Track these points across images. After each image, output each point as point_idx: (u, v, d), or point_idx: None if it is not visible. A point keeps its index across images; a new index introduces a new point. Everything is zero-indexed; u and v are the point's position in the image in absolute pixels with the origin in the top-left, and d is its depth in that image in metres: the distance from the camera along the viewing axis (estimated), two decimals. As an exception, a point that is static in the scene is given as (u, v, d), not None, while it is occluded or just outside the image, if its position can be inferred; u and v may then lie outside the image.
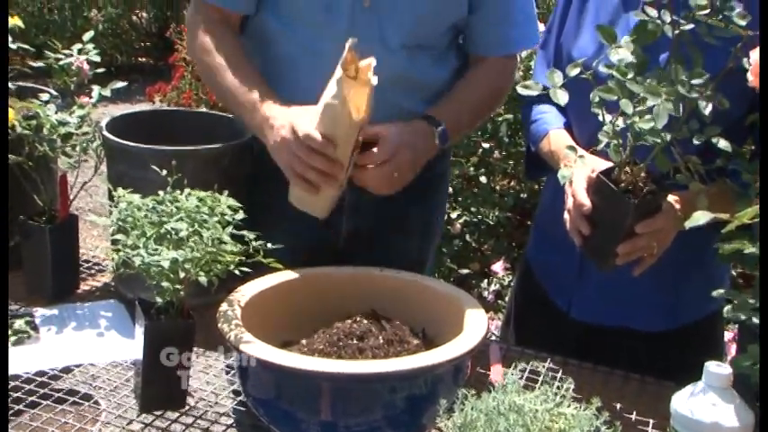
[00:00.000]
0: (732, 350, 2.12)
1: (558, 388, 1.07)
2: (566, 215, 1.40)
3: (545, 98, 1.57)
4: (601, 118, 1.30)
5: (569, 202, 1.39)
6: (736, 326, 1.97)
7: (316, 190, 1.47)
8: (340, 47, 1.46)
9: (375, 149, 1.50)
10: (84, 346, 1.49)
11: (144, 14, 7.53)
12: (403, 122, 1.56)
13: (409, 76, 1.60)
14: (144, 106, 5.47)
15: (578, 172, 1.37)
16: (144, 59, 7.40)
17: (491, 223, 3.22)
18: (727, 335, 2.12)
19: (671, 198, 1.36)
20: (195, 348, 1.38)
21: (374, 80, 1.41)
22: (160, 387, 1.30)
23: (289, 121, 1.45)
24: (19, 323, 1.51)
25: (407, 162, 1.53)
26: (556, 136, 1.59)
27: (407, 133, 1.54)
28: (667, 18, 1.27)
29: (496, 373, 1.46)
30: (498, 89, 1.71)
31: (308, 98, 1.50)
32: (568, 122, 1.61)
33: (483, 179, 3.20)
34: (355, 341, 1.28)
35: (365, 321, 1.32)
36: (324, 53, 1.56)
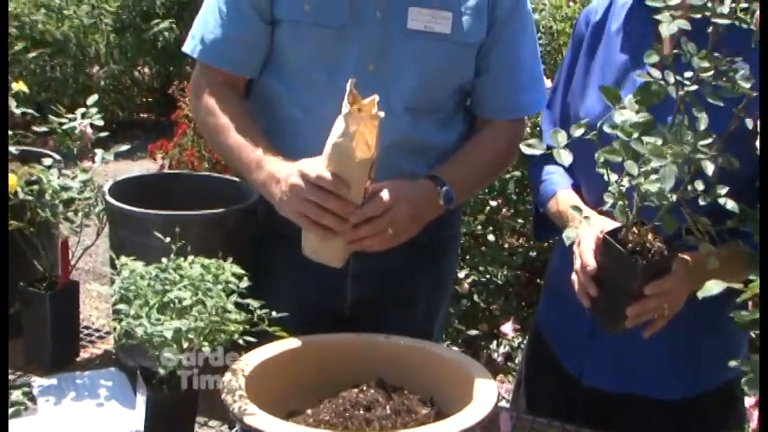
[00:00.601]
0: (755, 417, 2.09)
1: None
2: (573, 276, 1.42)
3: (552, 158, 1.60)
4: (606, 178, 1.32)
5: (577, 263, 1.40)
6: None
7: (332, 233, 1.47)
8: (340, 108, 1.49)
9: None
10: (83, 418, 1.49)
11: (146, 70, 7.63)
12: (404, 180, 1.56)
13: (413, 139, 1.63)
14: (146, 163, 5.53)
15: (585, 233, 1.39)
16: (146, 115, 7.49)
17: (500, 282, 3.22)
18: (749, 400, 2.10)
19: (681, 258, 1.37)
20: (198, 419, 1.39)
21: (381, 113, 1.42)
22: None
23: (296, 169, 1.48)
24: (16, 394, 1.52)
25: (405, 218, 1.52)
26: (563, 196, 1.60)
27: (407, 188, 1.54)
28: (671, 79, 1.29)
29: (507, 443, 1.46)
30: (506, 152, 1.74)
31: (305, 155, 1.52)
32: (576, 183, 1.63)
33: (491, 237, 3.22)
34: (362, 411, 1.28)
35: (372, 390, 1.33)
36: (326, 116, 1.58)
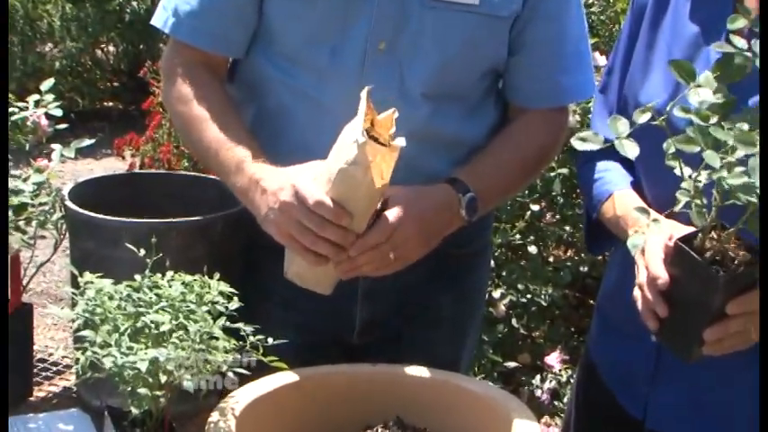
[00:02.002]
0: None
1: None
2: (636, 293, 1.42)
3: (606, 152, 1.60)
4: (678, 173, 1.32)
5: (641, 277, 1.41)
6: None
7: (324, 262, 1.49)
8: (347, 97, 1.51)
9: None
10: (39, 468, 1.51)
11: (111, 49, 7.66)
12: (415, 187, 1.57)
13: (434, 131, 1.64)
14: (111, 162, 5.57)
15: (653, 239, 1.39)
16: (111, 104, 7.51)
17: (543, 304, 3.24)
18: None
19: None
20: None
21: (401, 141, 1.44)
22: None
23: (289, 183, 1.48)
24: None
25: (411, 239, 1.53)
26: (622, 198, 1.62)
27: (419, 200, 1.55)
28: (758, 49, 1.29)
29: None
30: (546, 147, 1.75)
31: (309, 155, 1.54)
32: (636, 181, 1.64)
33: (532, 249, 3.23)
34: (377, 458, 1.30)
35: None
36: (328, 104, 1.61)
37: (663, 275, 1.37)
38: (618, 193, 1.62)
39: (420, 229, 1.54)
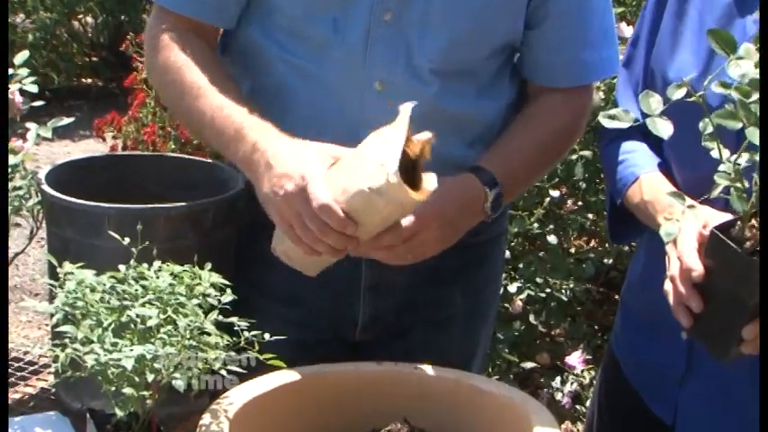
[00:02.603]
0: None
1: None
2: (667, 286, 1.43)
3: (631, 132, 1.61)
4: (715, 154, 1.33)
5: (674, 268, 1.42)
6: None
7: (318, 254, 1.50)
8: (351, 73, 1.52)
9: None
10: (16, 476, 1.52)
11: (89, 20, 7.65)
12: (439, 182, 1.58)
13: (445, 111, 1.65)
14: (91, 144, 5.57)
15: (687, 227, 1.40)
16: (89, 80, 7.50)
17: (564, 299, 3.24)
18: None
19: None
20: (167, 476, 1.42)
21: (432, 182, 1.44)
22: None
23: (299, 173, 1.46)
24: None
25: (432, 241, 1.56)
26: (650, 181, 1.62)
27: (439, 199, 1.54)
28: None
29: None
30: (569, 129, 1.76)
31: (307, 133, 1.55)
32: (664, 164, 1.65)
33: (552, 239, 3.23)
34: (384, 464, 1.31)
35: (397, 436, 1.36)
36: (330, 81, 1.61)
37: (697, 267, 1.38)
38: (645, 176, 1.63)
39: (441, 230, 1.56)
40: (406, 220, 1.51)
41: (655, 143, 1.63)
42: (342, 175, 1.46)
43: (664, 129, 1.34)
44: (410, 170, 1.44)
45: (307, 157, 1.49)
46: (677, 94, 1.33)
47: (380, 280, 1.68)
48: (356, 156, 1.47)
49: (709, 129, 1.31)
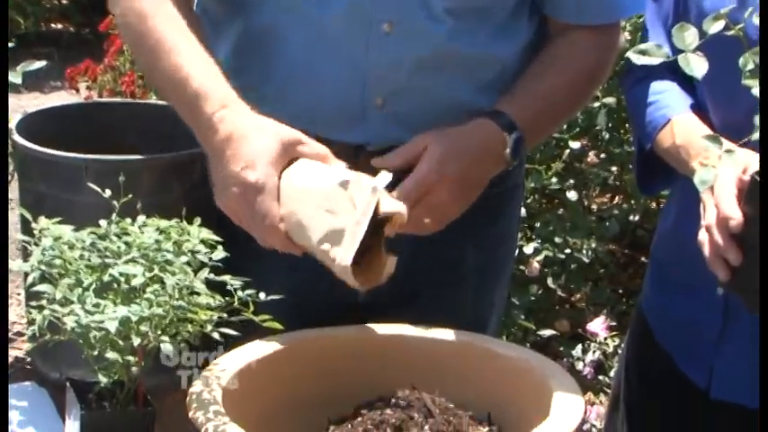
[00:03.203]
0: None
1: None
2: (702, 236, 1.43)
3: (662, 71, 1.61)
4: (756, 93, 1.32)
5: (710, 217, 1.42)
6: None
7: None
8: (353, 14, 1.51)
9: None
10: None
11: (60, -42, 7.60)
12: (451, 131, 1.58)
13: (458, 52, 1.64)
14: (63, 96, 5.56)
15: (725, 173, 1.40)
16: (60, 26, 7.47)
17: (585, 261, 3.25)
18: None
19: None
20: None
21: (390, 268, 1.45)
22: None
23: (256, 178, 1.44)
24: None
25: (450, 201, 1.56)
26: (683, 124, 1.62)
27: (454, 151, 1.56)
28: None
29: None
30: (594, 71, 1.75)
31: (301, 85, 1.56)
32: (698, 105, 1.65)
33: (572, 195, 3.23)
34: (390, 434, 1.32)
35: (403, 404, 1.36)
36: (328, 21, 1.61)
37: (736, 215, 1.38)
38: (677, 118, 1.63)
39: (460, 186, 1.57)
40: (411, 181, 1.52)
41: (687, 82, 1.63)
42: (300, 199, 1.44)
43: (698, 66, 1.34)
44: (376, 230, 1.43)
45: (268, 152, 1.46)
46: (714, 27, 1.33)
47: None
48: (320, 191, 1.44)
49: (750, 65, 1.31)
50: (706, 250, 1.42)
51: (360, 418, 1.35)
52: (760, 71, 1.29)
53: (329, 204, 1.41)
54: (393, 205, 1.42)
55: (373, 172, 1.63)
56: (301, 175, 1.46)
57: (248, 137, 1.47)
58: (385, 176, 1.46)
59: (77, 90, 4.51)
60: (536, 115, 1.66)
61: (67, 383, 1.39)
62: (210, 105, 1.51)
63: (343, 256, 1.38)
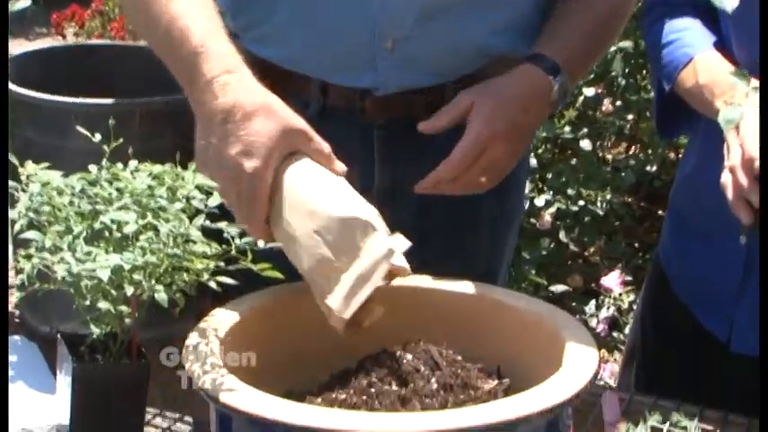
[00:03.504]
0: None
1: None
2: (725, 178, 1.43)
3: (683, 8, 1.61)
4: None
5: (734, 157, 1.42)
6: None
7: None
8: None
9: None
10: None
11: None
12: (496, 83, 1.60)
13: None
14: (49, 43, 5.54)
15: (750, 111, 1.39)
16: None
17: (599, 213, 3.25)
18: None
19: None
20: (149, 405, 1.44)
21: (376, 315, 1.42)
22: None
23: (250, 169, 1.41)
24: None
25: (504, 154, 1.59)
26: (706, 62, 1.61)
27: (504, 106, 1.57)
28: None
29: (614, 433, 1.50)
30: (619, 5, 1.75)
31: (301, 15, 1.58)
32: (721, 42, 1.64)
33: (585, 144, 3.23)
34: (395, 387, 1.32)
35: (410, 356, 1.37)
36: None
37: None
38: (700, 56, 1.62)
39: (512, 139, 1.59)
40: (466, 143, 1.55)
41: (710, 20, 1.62)
42: (297, 211, 1.41)
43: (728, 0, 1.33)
44: None
45: (270, 140, 1.41)
46: None
47: (395, 182, 1.69)
48: (323, 215, 1.40)
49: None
50: (729, 193, 1.41)
51: (364, 371, 1.35)
52: (760, 71, 1.30)
53: (330, 236, 1.37)
54: (401, 261, 1.40)
55: (382, 116, 1.63)
56: (304, 181, 1.42)
57: (252, 117, 1.42)
58: (403, 242, 1.41)
59: (64, 36, 4.51)
60: (574, 55, 1.67)
61: (58, 336, 1.39)
62: (212, 68, 1.45)
63: (340, 308, 1.36)
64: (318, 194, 1.41)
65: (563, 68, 1.63)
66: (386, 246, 1.37)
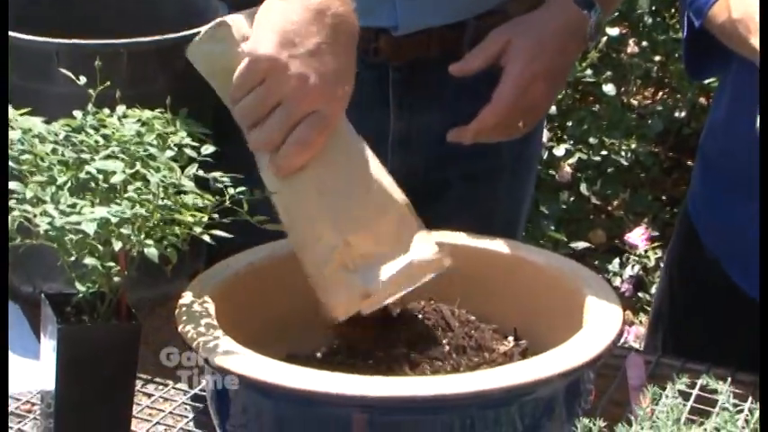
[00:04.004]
0: None
1: (746, 422, 1.10)
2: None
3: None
4: None
5: None
6: None
7: None
8: None
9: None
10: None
11: None
12: (532, 18, 1.61)
13: None
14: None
15: None
16: None
17: (624, 164, 3.25)
18: None
19: None
20: (141, 372, 1.44)
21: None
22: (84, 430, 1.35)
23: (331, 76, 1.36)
24: None
25: (541, 97, 1.62)
26: None
27: (541, 44, 1.59)
28: None
29: (639, 398, 1.50)
30: None
31: None
32: None
33: (609, 88, 3.22)
34: (404, 349, 1.32)
35: (419, 317, 1.37)
36: None
37: None
38: None
39: (550, 78, 1.62)
40: (507, 86, 1.57)
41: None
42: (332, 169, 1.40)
43: None
44: None
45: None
46: None
47: (411, 130, 1.69)
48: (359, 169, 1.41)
49: None
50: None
51: (370, 333, 1.36)
52: (760, 71, 1.32)
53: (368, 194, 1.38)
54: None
55: (399, 58, 1.63)
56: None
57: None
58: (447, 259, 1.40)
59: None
60: None
61: (42, 296, 1.39)
62: None
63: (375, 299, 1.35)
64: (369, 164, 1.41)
65: (597, 0, 1.64)
66: (433, 247, 1.39)
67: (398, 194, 1.41)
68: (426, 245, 1.39)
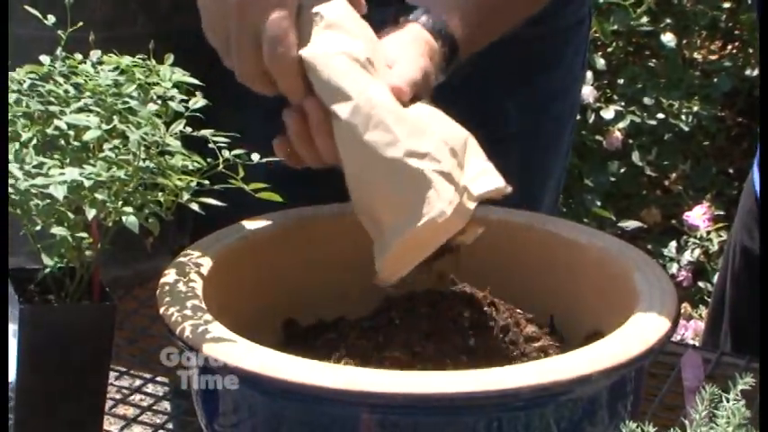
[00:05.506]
0: None
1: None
2: None
3: None
4: None
5: None
6: None
7: None
8: None
9: None
10: None
11: None
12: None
13: None
14: None
15: None
16: None
17: (684, 130, 3.25)
18: None
19: None
20: (115, 363, 1.46)
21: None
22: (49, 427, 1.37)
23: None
24: None
25: None
26: None
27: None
28: None
29: (695, 401, 1.51)
30: None
31: None
32: None
33: (668, 40, 3.22)
34: (422, 340, 1.34)
35: (440, 303, 1.39)
36: None
37: None
38: None
39: None
40: None
41: None
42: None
43: None
44: None
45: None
46: None
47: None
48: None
49: None
50: None
51: (383, 320, 1.38)
52: (760, 71, 1.30)
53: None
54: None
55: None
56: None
57: None
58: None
59: None
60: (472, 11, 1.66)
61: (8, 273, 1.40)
62: None
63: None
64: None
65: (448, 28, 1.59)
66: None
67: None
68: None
